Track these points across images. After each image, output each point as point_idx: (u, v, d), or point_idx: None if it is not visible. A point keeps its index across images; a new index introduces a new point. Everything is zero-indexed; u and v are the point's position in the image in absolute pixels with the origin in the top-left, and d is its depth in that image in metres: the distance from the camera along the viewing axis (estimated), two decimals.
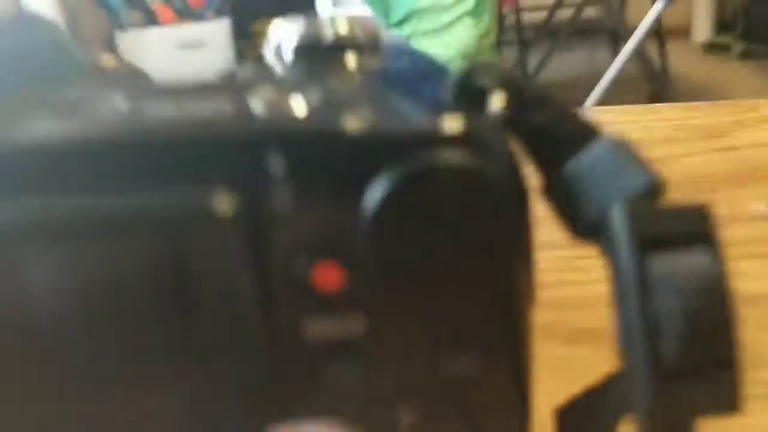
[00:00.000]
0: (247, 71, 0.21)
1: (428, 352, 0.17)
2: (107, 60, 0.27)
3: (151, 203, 0.15)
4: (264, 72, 0.20)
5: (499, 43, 2.01)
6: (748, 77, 2.39)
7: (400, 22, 1.75)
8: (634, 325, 0.15)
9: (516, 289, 0.17)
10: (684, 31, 2.71)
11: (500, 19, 2.05)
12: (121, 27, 2.00)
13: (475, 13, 1.77)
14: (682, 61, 2.41)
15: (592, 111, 0.57)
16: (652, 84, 2.17)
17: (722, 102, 0.50)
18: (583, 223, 0.17)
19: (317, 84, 0.19)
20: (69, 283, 0.15)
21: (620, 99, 1.95)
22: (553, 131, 0.17)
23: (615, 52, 1.83)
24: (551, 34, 2.29)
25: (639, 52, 1.95)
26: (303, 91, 0.18)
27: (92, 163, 0.15)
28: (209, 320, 0.16)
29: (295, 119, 0.16)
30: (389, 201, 0.16)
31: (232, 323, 0.16)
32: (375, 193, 0.15)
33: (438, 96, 0.18)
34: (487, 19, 1.80)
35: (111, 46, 2.01)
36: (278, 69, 0.21)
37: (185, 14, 2.04)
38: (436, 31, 1.75)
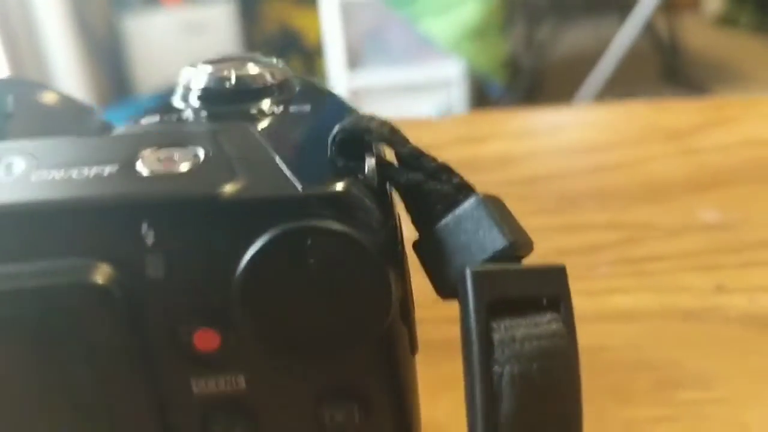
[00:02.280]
0: (152, 121, 0.21)
1: (308, 404, 0.18)
2: (49, 96, 0.27)
3: (29, 274, 0.16)
4: (165, 124, 0.21)
5: (507, 20, 2.00)
6: (761, 50, 2.36)
7: (405, 1, 1.74)
8: (475, 387, 0.15)
9: (390, 342, 0.18)
10: (694, 3, 2.67)
11: None
12: (125, 7, 2.00)
13: None
14: (693, 33, 2.37)
15: (563, 108, 0.57)
16: (662, 58, 2.14)
17: (692, 101, 0.50)
18: (445, 284, 0.17)
19: (208, 138, 0.19)
20: None
21: (631, 74, 1.94)
22: (426, 189, 0.18)
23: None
24: (560, 9, 2.27)
25: (647, 25, 1.93)
26: (193, 147, 0.18)
27: None
28: (98, 386, 0.17)
29: (171, 187, 0.17)
30: (257, 263, 0.16)
31: (122, 386, 0.17)
32: (245, 257, 0.16)
33: (323, 150, 0.19)
34: None
35: (114, 31, 2.01)
36: (184, 115, 0.22)
37: None
38: (443, 9, 1.74)
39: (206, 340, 0.17)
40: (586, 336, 0.33)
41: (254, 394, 0.17)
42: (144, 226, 0.16)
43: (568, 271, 0.36)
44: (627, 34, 1.80)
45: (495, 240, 0.17)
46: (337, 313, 0.17)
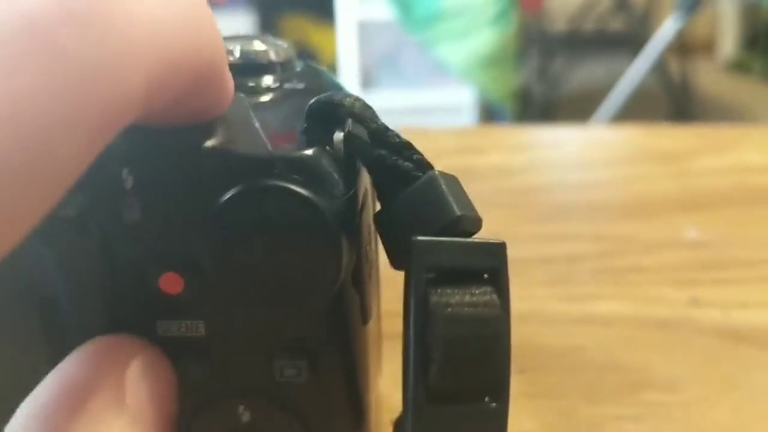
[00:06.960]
0: None
1: (261, 356, 0.19)
2: None
3: None
4: None
5: (521, 52, 2.02)
6: None
7: (422, 26, 1.76)
8: (409, 350, 0.16)
9: (341, 306, 0.19)
10: (708, 47, 2.69)
11: (523, 27, 2.05)
12: None
13: (497, 20, 1.78)
14: (705, 77, 2.39)
15: (560, 127, 0.58)
16: (673, 99, 2.16)
17: (688, 126, 0.51)
18: (398, 255, 0.18)
19: None
20: None
21: (640, 113, 1.95)
22: (389, 164, 0.18)
23: None
24: (574, 44, 2.29)
25: (659, 67, 1.95)
26: None
27: None
28: (72, 317, 0.18)
29: (154, 139, 0.17)
30: (223, 215, 0.17)
31: (94, 321, 0.18)
32: (213, 208, 0.17)
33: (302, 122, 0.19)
34: (509, 27, 1.81)
35: None
36: None
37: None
38: (459, 36, 1.76)
39: (171, 283, 0.18)
40: (561, 336, 0.34)
41: (212, 341, 0.19)
42: (125, 172, 0.17)
43: (551, 277, 0.37)
44: (637, 71, 1.81)
45: (444, 213, 0.17)
46: (291, 270, 0.18)
